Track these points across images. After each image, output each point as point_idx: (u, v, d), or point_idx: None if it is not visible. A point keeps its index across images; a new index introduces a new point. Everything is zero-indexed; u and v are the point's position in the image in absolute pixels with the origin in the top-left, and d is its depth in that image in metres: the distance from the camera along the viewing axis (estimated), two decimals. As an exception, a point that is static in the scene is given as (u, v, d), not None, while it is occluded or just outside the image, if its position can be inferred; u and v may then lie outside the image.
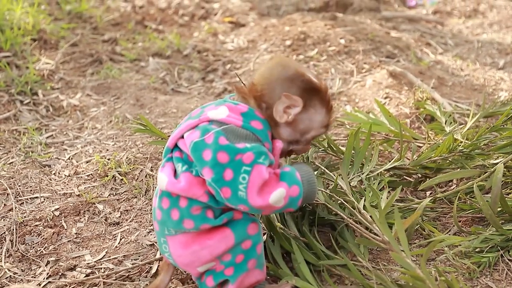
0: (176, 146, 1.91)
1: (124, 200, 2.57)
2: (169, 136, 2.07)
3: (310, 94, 1.89)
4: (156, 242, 2.32)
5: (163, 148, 2.01)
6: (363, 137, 2.74)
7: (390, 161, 2.58)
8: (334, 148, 2.57)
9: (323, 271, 2.07)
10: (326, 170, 2.43)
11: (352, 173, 2.46)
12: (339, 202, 2.25)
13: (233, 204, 1.80)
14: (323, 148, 2.55)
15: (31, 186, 2.65)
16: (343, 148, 2.56)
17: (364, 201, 2.20)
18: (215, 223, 1.86)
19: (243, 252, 1.90)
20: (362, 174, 2.46)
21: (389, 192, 2.41)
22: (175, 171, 1.89)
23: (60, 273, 2.20)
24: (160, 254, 2.25)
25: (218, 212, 1.86)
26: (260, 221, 2.03)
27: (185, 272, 2.15)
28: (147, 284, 2.12)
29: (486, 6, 5.00)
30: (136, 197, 2.59)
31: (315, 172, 2.43)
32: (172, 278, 2.09)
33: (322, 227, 2.33)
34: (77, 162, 2.82)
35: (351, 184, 2.36)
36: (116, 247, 2.33)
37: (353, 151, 2.48)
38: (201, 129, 1.83)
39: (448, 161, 2.56)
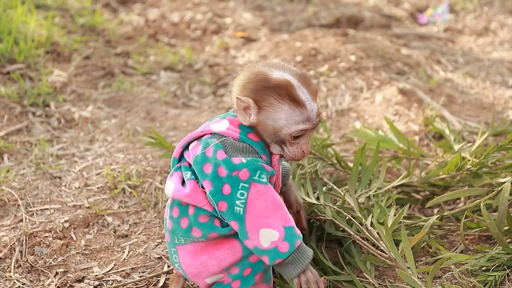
0: (182, 156, 1.97)
1: (133, 213, 2.59)
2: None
3: (263, 93, 1.86)
4: (164, 256, 2.33)
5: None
6: (371, 153, 2.75)
7: (398, 178, 2.59)
8: (343, 164, 2.58)
9: (329, 287, 2.08)
10: (334, 186, 2.44)
11: (360, 190, 2.48)
12: (346, 218, 2.26)
13: (227, 218, 1.84)
14: (331, 163, 2.57)
15: (41, 198, 2.67)
16: (351, 164, 2.57)
17: (372, 217, 2.21)
18: (223, 231, 1.89)
19: (251, 265, 1.92)
20: (370, 190, 2.47)
21: (396, 209, 2.41)
22: (183, 180, 1.93)
23: (68, 285, 2.22)
24: (170, 266, 2.26)
25: (226, 222, 1.89)
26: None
27: (192, 285, 2.16)
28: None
29: (497, 25, 5.01)
30: (145, 210, 2.61)
31: (323, 188, 2.44)
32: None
33: (329, 243, 2.34)
34: (87, 174, 2.84)
35: (358, 201, 2.37)
36: (124, 259, 2.35)
37: (360, 167, 2.50)
38: (203, 142, 1.89)
39: (456, 179, 2.57)
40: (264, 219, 1.81)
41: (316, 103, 1.90)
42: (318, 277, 1.87)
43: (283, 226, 1.82)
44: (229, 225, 1.87)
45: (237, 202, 1.81)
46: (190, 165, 1.93)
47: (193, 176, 1.90)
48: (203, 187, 1.86)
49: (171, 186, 1.92)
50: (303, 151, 1.92)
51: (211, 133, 1.91)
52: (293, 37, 4.33)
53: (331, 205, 2.27)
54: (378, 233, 2.11)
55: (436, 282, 2.15)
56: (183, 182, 1.93)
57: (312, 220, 2.30)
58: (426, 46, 4.51)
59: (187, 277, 1.97)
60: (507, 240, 2.24)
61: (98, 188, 2.73)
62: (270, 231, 1.81)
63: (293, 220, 1.86)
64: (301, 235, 1.86)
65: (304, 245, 1.87)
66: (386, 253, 2.04)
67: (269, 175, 1.87)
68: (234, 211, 1.81)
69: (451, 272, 2.16)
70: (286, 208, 1.86)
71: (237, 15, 5.05)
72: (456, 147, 2.77)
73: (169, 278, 2.21)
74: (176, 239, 1.94)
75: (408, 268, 1.96)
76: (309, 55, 4.00)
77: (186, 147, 1.97)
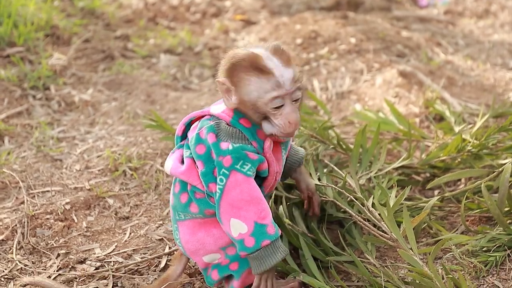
0: (186, 134, 1.99)
1: (134, 195, 2.60)
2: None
3: (233, 69, 1.85)
4: (165, 237, 2.34)
5: (174, 143, 2.04)
6: (372, 136, 2.75)
7: (398, 160, 2.59)
8: (343, 146, 2.58)
9: (330, 268, 2.09)
10: (335, 168, 2.44)
11: (361, 171, 2.48)
12: (348, 199, 2.26)
13: (215, 198, 1.86)
14: (333, 146, 2.57)
15: (42, 180, 2.67)
16: (351, 147, 2.58)
17: (373, 199, 2.21)
18: None
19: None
20: (371, 172, 2.47)
21: (397, 190, 2.42)
22: (182, 158, 1.96)
23: (70, 266, 2.23)
24: (171, 247, 2.27)
25: None
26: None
27: (193, 266, 2.17)
28: (155, 278, 2.14)
29: (498, 7, 4.99)
30: (146, 192, 2.61)
31: (324, 170, 2.44)
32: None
33: (330, 225, 2.35)
34: (88, 156, 2.84)
35: (359, 182, 2.38)
36: (125, 241, 2.35)
37: (361, 149, 2.50)
38: (200, 123, 1.92)
39: (456, 160, 2.57)
40: (237, 209, 1.83)
41: (290, 69, 1.84)
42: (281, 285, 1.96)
43: (255, 221, 1.83)
44: None
45: (217, 187, 1.85)
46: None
47: (191, 155, 1.92)
48: (197, 166, 1.89)
49: (169, 164, 1.96)
50: (289, 121, 1.85)
51: (209, 115, 1.93)
52: (293, 19, 4.32)
53: (333, 186, 2.27)
54: (379, 214, 2.11)
55: (437, 262, 2.16)
56: (182, 160, 1.95)
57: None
58: (427, 29, 4.50)
59: (186, 253, 1.99)
60: (508, 221, 2.25)
61: (99, 170, 2.73)
62: (240, 222, 1.83)
63: (270, 218, 1.86)
64: (276, 236, 1.86)
65: (279, 246, 1.87)
66: (387, 234, 2.04)
67: (256, 164, 1.87)
68: (215, 195, 1.85)
69: (452, 253, 2.17)
70: (265, 205, 1.86)
71: (236, -2, 5.04)
72: (457, 129, 2.76)
73: (170, 260, 2.22)
74: (177, 215, 1.97)
75: (409, 248, 1.97)
76: (309, 38, 4.00)
77: (188, 125, 1.99)
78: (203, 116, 1.95)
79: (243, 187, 1.83)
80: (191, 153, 1.92)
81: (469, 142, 2.56)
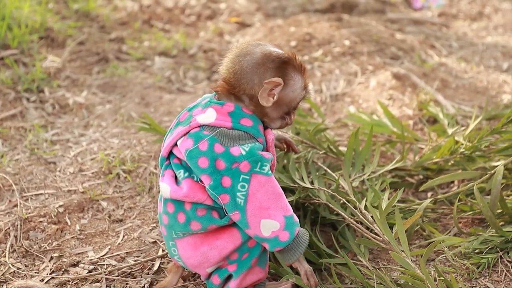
0: (171, 153, 1.94)
1: (127, 198, 2.60)
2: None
3: (284, 69, 1.91)
4: (158, 240, 2.34)
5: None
6: (366, 138, 2.76)
7: (392, 162, 2.59)
8: (335, 151, 2.58)
9: (323, 270, 2.09)
10: (328, 170, 2.45)
11: (354, 174, 2.48)
12: (340, 202, 2.27)
13: (228, 210, 1.84)
14: (324, 151, 2.57)
15: (36, 183, 2.67)
16: (344, 149, 2.58)
17: (366, 201, 2.21)
18: (222, 223, 1.90)
19: (248, 250, 1.94)
20: (364, 174, 2.47)
21: (390, 193, 2.42)
22: (175, 177, 1.92)
23: (63, 269, 2.23)
24: (165, 250, 2.27)
25: (223, 212, 1.89)
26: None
27: (194, 275, 2.17)
28: (148, 281, 2.14)
29: (491, 9, 5.01)
30: (139, 194, 2.61)
31: (317, 172, 2.45)
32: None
33: (323, 227, 2.35)
34: (81, 159, 2.84)
35: (352, 185, 2.38)
36: (119, 244, 2.35)
37: (354, 152, 2.50)
38: (194, 136, 1.87)
39: (449, 163, 2.58)
40: (265, 210, 1.83)
41: None
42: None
43: (284, 215, 1.85)
44: (226, 216, 1.88)
45: (238, 194, 1.82)
46: (180, 161, 1.91)
47: (186, 174, 1.88)
48: (201, 181, 1.86)
49: (167, 188, 1.90)
50: (293, 115, 2.00)
51: (199, 126, 1.89)
52: (288, 22, 4.33)
53: (325, 189, 2.27)
54: (372, 216, 2.11)
55: (429, 264, 2.16)
56: (176, 180, 1.92)
57: (306, 204, 2.31)
58: (421, 31, 4.51)
59: (188, 268, 1.98)
60: (500, 223, 2.26)
61: (92, 173, 2.73)
62: (271, 221, 1.83)
63: (290, 206, 1.88)
64: (299, 221, 1.89)
65: (302, 230, 1.90)
66: (380, 236, 2.05)
67: (270, 161, 1.88)
68: (236, 202, 1.82)
69: (444, 255, 2.18)
70: (284, 196, 1.88)
71: (231, 0, 5.04)
72: (450, 131, 2.77)
73: (163, 262, 2.22)
74: (173, 234, 1.93)
75: (402, 251, 1.97)
76: (304, 40, 4.00)
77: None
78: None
79: (267, 187, 1.84)
80: (185, 172, 1.89)
81: (462, 144, 2.57)
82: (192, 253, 1.93)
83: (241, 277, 1.95)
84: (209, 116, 1.89)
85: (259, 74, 1.89)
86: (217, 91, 1.95)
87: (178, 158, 1.91)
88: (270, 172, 1.86)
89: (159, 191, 2.56)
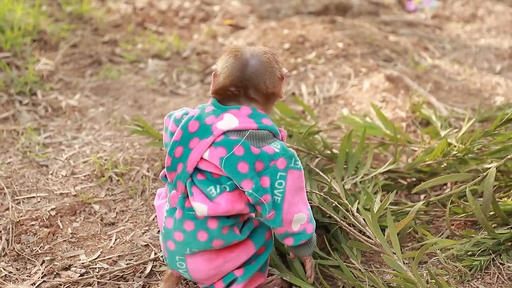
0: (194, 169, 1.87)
1: (120, 201, 2.59)
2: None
3: (280, 64, 1.98)
4: (151, 243, 2.33)
5: (160, 149, 2.01)
6: (359, 140, 2.76)
7: (384, 164, 2.59)
8: (329, 153, 2.58)
9: (316, 273, 2.09)
10: (321, 173, 2.44)
11: (347, 176, 2.48)
12: (333, 204, 2.26)
13: (266, 211, 1.84)
14: (318, 153, 2.57)
15: (28, 186, 2.67)
16: (337, 151, 2.58)
17: (358, 204, 2.21)
18: (241, 238, 1.90)
19: (256, 257, 1.96)
20: (357, 177, 2.47)
21: (383, 195, 2.42)
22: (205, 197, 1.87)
23: (55, 273, 2.22)
24: (157, 253, 2.26)
25: (241, 226, 1.91)
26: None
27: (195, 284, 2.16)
28: (140, 284, 2.14)
29: (485, 11, 5.02)
30: (132, 197, 2.60)
31: (309, 175, 2.45)
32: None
33: (316, 229, 2.34)
34: (74, 162, 2.83)
35: (345, 187, 2.38)
36: (111, 247, 2.35)
37: (347, 154, 2.50)
38: (224, 144, 1.83)
39: (442, 165, 2.58)
40: (297, 205, 1.85)
41: None
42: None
43: (307, 208, 1.89)
44: (243, 229, 1.91)
45: (276, 192, 1.83)
46: (206, 177, 1.85)
47: (219, 189, 1.83)
48: (241, 187, 1.82)
49: (203, 207, 1.83)
50: None
51: (223, 133, 1.84)
52: (281, 24, 4.33)
53: (317, 192, 2.27)
54: (364, 219, 2.11)
55: (422, 267, 2.16)
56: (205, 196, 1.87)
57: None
58: (414, 33, 4.52)
59: (193, 280, 1.98)
60: (493, 225, 2.26)
61: (85, 176, 2.73)
62: (301, 215, 1.87)
63: None
64: None
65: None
66: (372, 239, 2.04)
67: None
68: (274, 201, 1.83)
69: (437, 257, 2.18)
70: None
71: (225, 2, 5.04)
72: (443, 133, 2.77)
73: (156, 266, 2.22)
74: (187, 251, 1.89)
75: (394, 253, 1.97)
76: (297, 43, 4.00)
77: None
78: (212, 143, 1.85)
79: (299, 181, 1.86)
80: (218, 187, 1.83)
81: (455, 146, 2.57)
82: (205, 267, 1.91)
83: (245, 282, 1.94)
84: (230, 121, 1.86)
85: (273, 71, 1.92)
86: (224, 98, 1.92)
87: (202, 173, 1.86)
88: (301, 166, 1.88)
89: (151, 194, 2.57)
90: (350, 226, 2.16)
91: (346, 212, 2.18)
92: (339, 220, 2.16)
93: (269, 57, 1.91)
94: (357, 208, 2.18)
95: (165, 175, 1.93)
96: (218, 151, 1.82)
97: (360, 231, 2.16)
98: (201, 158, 1.84)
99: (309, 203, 2.21)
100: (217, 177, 1.84)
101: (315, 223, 1.92)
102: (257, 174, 1.82)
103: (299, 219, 1.86)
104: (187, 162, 1.85)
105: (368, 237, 2.08)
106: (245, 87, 1.89)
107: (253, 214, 1.98)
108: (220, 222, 1.85)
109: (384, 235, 2.04)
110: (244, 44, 2.00)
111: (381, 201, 2.20)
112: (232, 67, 1.89)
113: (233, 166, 1.81)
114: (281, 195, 1.83)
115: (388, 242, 2.01)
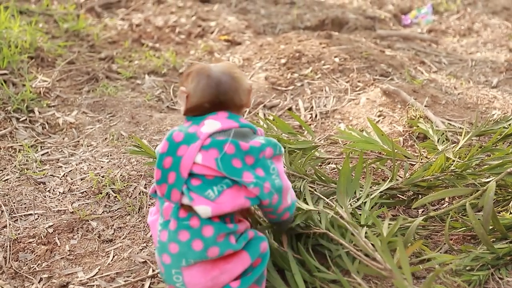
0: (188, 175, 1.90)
1: (117, 217, 2.59)
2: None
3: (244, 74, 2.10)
4: (148, 260, 2.32)
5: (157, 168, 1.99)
6: (356, 155, 2.76)
7: (383, 180, 2.59)
8: (323, 178, 2.59)
9: (315, 288, 2.08)
10: (324, 198, 2.43)
11: (348, 200, 2.46)
12: (341, 232, 2.24)
13: (269, 195, 1.91)
14: (312, 180, 2.58)
15: (25, 203, 2.66)
16: (333, 166, 2.58)
17: (366, 228, 2.19)
18: (236, 247, 1.90)
19: (252, 269, 1.95)
20: (358, 199, 2.46)
21: (383, 211, 2.42)
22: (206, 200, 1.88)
23: (53, 290, 2.22)
24: (155, 270, 2.25)
25: (237, 236, 1.91)
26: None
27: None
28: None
29: (481, 25, 5.04)
30: (129, 214, 2.60)
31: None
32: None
33: (316, 245, 2.33)
34: (71, 179, 2.83)
35: (346, 212, 2.36)
36: (109, 264, 2.34)
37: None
38: (214, 145, 1.89)
39: (440, 180, 2.57)
40: (287, 180, 1.98)
41: None
42: None
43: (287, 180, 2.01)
44: (239, 239, 1.91)
45: (273, 177, 1.92)
46: (201, 181, 1.88)
47: (218, 189, 1.86)
48: (243, 182, 1.88)
49: (207, 209, 1.85)
50: None
51: (209, 136, 1.90)
52: (278, 39, 4.34)
53: (329, 211, 2.24)
54: (372, 244, 2.09)
55: (420, 282, 2.16)
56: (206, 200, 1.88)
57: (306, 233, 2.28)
58: (410, 47, 4.53)
59: None
60: (492, 240, 2.25)
61: (82, 193, 2.72)
62: (290, 188, 2.01)
63: None
64: None
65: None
66: (381, 264, 2.01)
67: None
68: (275, 185, 1.91)
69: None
70: None
71: (221, 18, 5.06)
72: (440, 147, 2.77)
73: (153, 282, 2.21)
74: (183, 262, 1.88)
75: (404, 279, 1.94)
76: (293, 58, 4.01)
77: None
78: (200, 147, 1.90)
79: (282, 162, 2.02)
80: (218, 188, 1.87)
81: (453, 161, 2.56)
82: (201, 279, 1.89)
83: None
84: (213, 124, 1.94)
85: (243, 85, 2.04)
86: (199, 114, 2.00)
87: (197, 178, 1.89)
88: (283, 149, 2.01)
89: (148, 211, 2.56)
90: (358, 252, 2.13)
91: (353, 236, 2.15)
92: (347, 245, 2.13)
93: (237, 72, 2.03)
94: (366, 234, 2.15)
95: (155, 190, 1.96)
96: (211, 153, 1.88)
97: (366, 254, 2.13)
98: (194, 162, 1.88)
99: (316, 229, 2.22)
100: (212, 178, 1.88)
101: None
102: (251, 167, 1.90)
103: (290, 192, 2.00)
104: (180, 169, 1.88)
105: (374, 259, 2.05)
106: (221, 102, 1.99)
107: (249, 225, 2.00)
108: (216, 229, 1.86)
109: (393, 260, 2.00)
110: (206, 63, 2.07)
111: (383, 222, 2.18)
112: (207, 86, 1.98)
113: (228, 163, 1.87)
114: (278, 177, 1.93)
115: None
